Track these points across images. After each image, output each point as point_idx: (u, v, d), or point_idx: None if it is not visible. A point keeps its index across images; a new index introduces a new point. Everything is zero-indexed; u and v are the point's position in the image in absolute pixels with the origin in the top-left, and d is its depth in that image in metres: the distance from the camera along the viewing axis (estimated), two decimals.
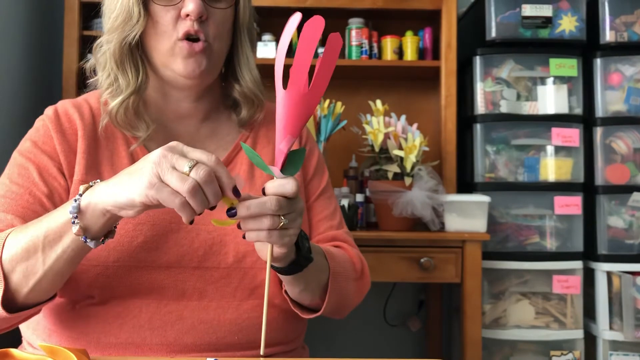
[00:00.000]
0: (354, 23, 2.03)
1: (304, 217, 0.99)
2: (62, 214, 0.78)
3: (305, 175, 1.06)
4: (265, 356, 0.85)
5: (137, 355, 0.87)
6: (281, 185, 0.75)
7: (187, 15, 0.90)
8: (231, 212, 0.76)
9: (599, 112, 1.93)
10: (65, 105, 0.98)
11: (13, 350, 0.69)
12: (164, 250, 0.90)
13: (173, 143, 0.74)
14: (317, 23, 0.70)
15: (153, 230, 0.90)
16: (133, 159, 0.94)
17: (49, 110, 0.97)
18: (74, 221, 0.76)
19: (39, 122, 0.96)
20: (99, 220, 0.77)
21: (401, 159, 1.79)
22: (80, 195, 0.77)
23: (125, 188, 0.73)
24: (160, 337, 0.88)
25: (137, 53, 0.94)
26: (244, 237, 0.79)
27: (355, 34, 2.01)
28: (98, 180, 0.80)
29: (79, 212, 0.76)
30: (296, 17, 0.72)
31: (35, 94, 1.82)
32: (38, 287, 0.80)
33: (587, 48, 1.95)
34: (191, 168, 0.70)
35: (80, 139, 0.93)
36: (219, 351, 0.90)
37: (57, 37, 1.94)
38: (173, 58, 0.92)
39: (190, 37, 0.91)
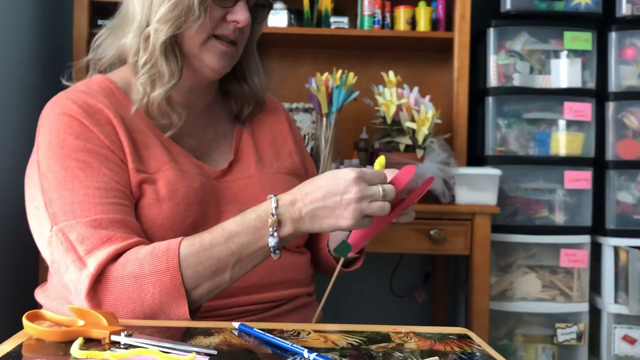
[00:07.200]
0: None
1: None
2: (255, 238, 0.83)
3: (304, 158, 1.17)
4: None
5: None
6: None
7: (234, 21, 0.95)
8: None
9: (612, 87, 1.92)
10: (80, 96, 0.92)
11: (44, 311, 0.70)
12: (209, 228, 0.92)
13: (357, 172, 0.82)
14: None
15: (200, 210, 0.93)
16: (165, 147, 0.96)
17: (69, 105, 0.91)
18: (275, 251, 0.84)
19: (62, 117, 0.89)
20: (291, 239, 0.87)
21: (413, 131, 1.79)
22: (275, 230, 0.83)
23: (332, 223, 0.83)
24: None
25: (175, 42, 0.95)
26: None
27: (368, 3, 1.98)
28: (274, 200, 0.84)
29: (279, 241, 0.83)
30: (410, 170, 0.89)
31: (45, 60, 1.80)
32: (216, 294, 0.86)
33: (602, 21, 1.93)
34: (384, 196, 0.83)
35: (117, 128, 0.91)
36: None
37: (66, 2, 1.91)
38: (205, 52, 0.96)
39: (224, 38, 0.96)
